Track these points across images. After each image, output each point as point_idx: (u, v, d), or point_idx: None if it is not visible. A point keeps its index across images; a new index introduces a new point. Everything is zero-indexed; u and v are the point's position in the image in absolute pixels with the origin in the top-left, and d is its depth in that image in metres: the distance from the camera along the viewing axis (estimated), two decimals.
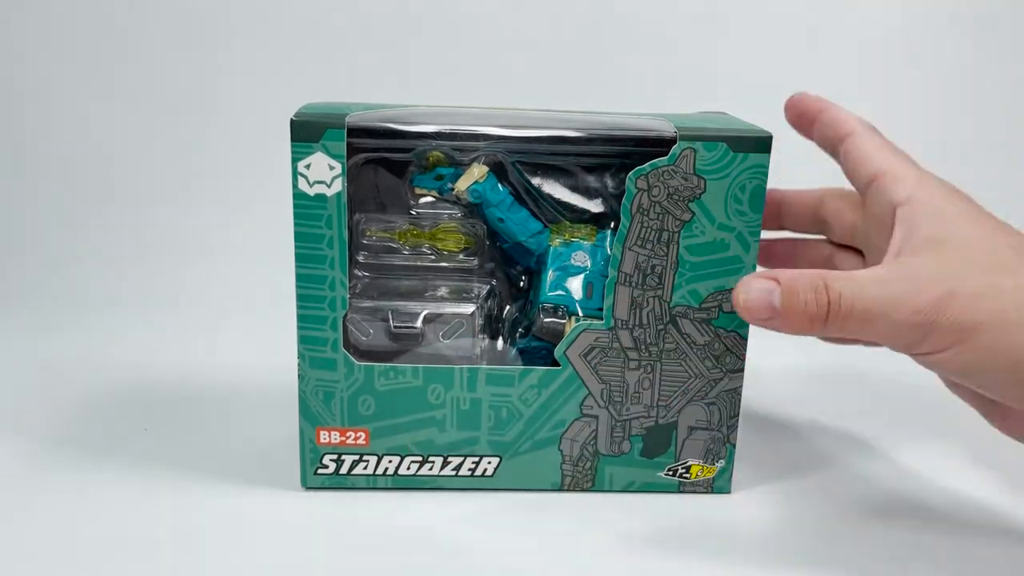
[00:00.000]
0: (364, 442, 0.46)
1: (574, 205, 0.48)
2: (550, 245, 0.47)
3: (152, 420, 0.54)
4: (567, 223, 0.48)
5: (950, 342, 0.36)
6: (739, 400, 0.46)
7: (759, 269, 0.42)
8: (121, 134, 0.81)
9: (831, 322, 0.37)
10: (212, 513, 0.44)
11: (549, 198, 0.48)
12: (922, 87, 0.83)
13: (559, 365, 0.45)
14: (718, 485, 0.48)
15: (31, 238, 0.81)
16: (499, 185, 0.47)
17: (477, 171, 0.46)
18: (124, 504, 0.45)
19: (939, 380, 0.42)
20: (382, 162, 0.47)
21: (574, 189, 0.48)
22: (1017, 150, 0.83)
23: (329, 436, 0.46)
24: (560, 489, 0.47)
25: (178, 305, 0.75)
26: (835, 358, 0.60)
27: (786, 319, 0.38)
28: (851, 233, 0.47)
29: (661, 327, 0.45)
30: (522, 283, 0.49)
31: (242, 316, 0.73)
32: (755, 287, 0.39)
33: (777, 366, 0.64)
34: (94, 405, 0.56)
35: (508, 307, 0.49)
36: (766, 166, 0.43)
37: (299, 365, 0.45)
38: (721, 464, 0.47)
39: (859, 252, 0.47)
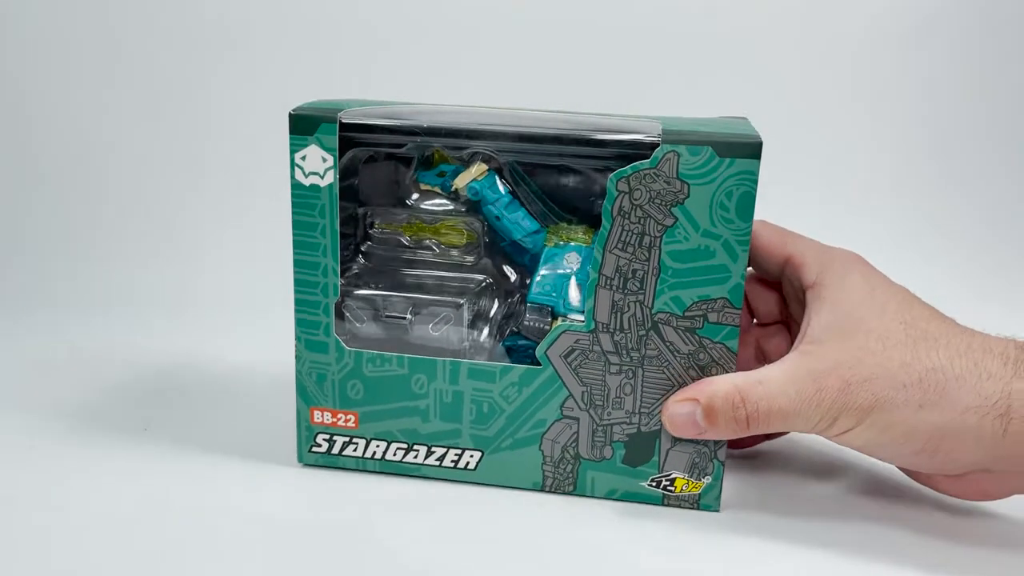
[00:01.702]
0: (354, 425, 0.48)
1: (573, 206, 0.48)
2: (546, 245, 0.47)
3: (156, 404, 0.56)
4: (564, 224, 0.48)
5: (853, 423, 0.40)
6: None
7: (677, 392, 0.44)
8: (121, 133, 0.85)
9: (753, 428, 0.42)
10: (211, 486, 0.47)
11: (547, 198, 0.48)
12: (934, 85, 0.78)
13: (541, 364, 0.45)
14: (705, 502, 0.46)
15: (30, 238, 0.84)
16: (498, 184, 0.47)
17: (476, 169, 0.47)
18: (130, 478, 0.47)
19: None
20: (399, 159, 0.49)
21: (574, 190, 0.48)
22: (1014, 148, 0.78)
23: (322, 416, 0.48)
24: (541, 489, 0.47)
25: (182, 296, 0.78)
26: None
27: (714, 433, 0.43)
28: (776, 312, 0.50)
29: (643, 333, 0.44)
30: (515, 281, 0.49)
31: (248, 305, 0.75)
32: (678, 411, 0.43)
33: None
34: (100, 392, 0.58)
35: (499, 304, 0.49)
36: (755, 172, 0.41)
37: (296, 346, 0.47)
38: (708, 480, 0.46)
39: (784, 325, 0.50)
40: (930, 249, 0.78)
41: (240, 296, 0.78)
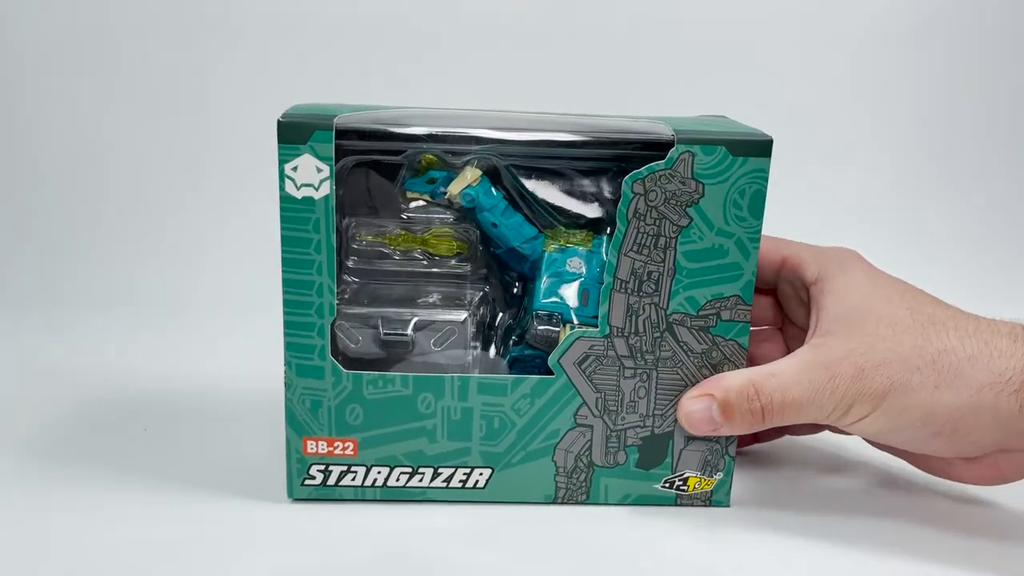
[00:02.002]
0: (352, 452, 0.45)
1: (569, 210, 0.47)
2: (545, 251, 0.46)
3: (145, 427, 0.53)
4: (562, 228, 0.47)
5: (869, 409, 0.40)
6: None
7: (691, 390, 0.44)
8: (119, 136, 0.80)
9: (768, 421, 0.42)
10: (195, 526, 0.43)
11: (544, 203, 0.46)
12: (922, 87, 0.83)
13: (552, 374, 0.44)
14: (716, 498, 0.46)
15: (29, 241, 0.80)
16: (493, 189, 0.45)
17: (470, 175, 0.45)
18: (110, 515, 0.44)
19: None
20: (373, 165, 0.46)
21: (570, 193, 0.47)
22: (1014, 148, 0.83)
23: (316, 446, 0.44)
24: (554, 502, 0.46)
25: (177, 308, 0.74)
26: None
27: (730, 428, 0.43)
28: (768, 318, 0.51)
29: (657, 335, 0.43)
30: (516, 289, 0.48)
31: (241, 320, 0.71)
32: (694, 408, 0.43)
33: None
34: (88, 409, 0.55)
35: (501, 314, 0.47)
36: (766, 170, 0.42)
37: (286, 373, 0.43)
38: (720, 476, 0.46)
39: (778, 330, 0.51)
40: (930, 249, 0.81)
41: (240, 299, 0.73)
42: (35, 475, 0.47)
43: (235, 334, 0.69)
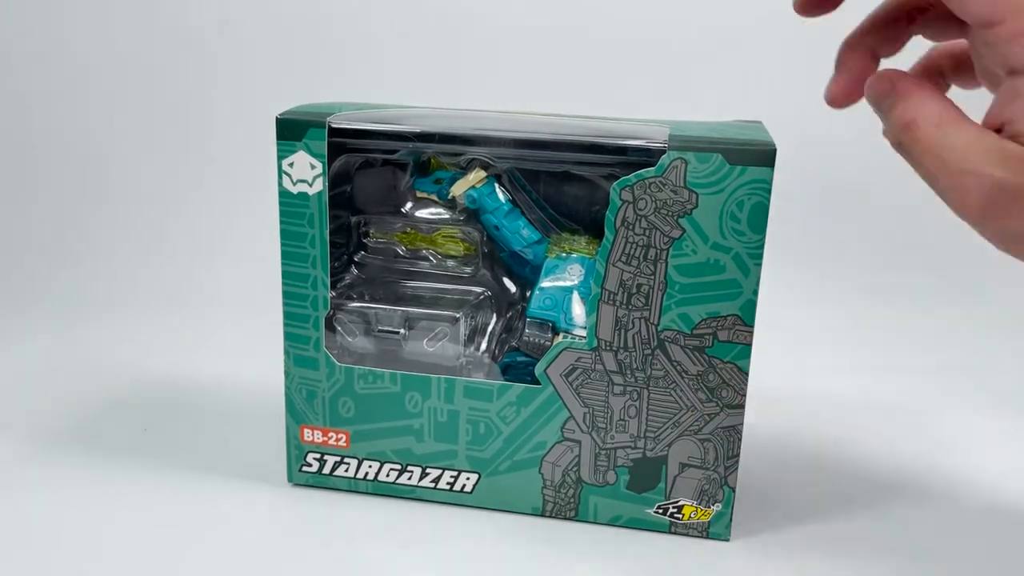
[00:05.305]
0: (345, 444, 0.45)
1: (577, 215, 0.45)
2: (547, 256, 0.45)
3: (152, 418, 0.55)
4: (568, 235, 0.45)
5: None
6: (739, 439, 0.42)
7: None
8: (121, 136, 0.84)
9: (897, 145, 0.31)
10: (201, 506, 0.45)
11: (550, 207, 0.45)
12: None
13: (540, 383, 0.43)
14: (714, 531, 0.43)
15: (31, 240, 0.83)
16: (497, 192, 0.45)
17: (474, 176, 0.45)
18: (126, 499, 0.45)
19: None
20: (399, 163, 0.47)
21: (576, 199, 0.45)
22: None
23: (312, 435, 0.46)
24: (542, 514, 0.45)
25: (181, 305, 0.76)
26: (865, 383, 0.56)
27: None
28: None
29: (648, 351, 0.41)
30: (515, 293, 0.47)
31: (244, 315, 0.73)
32: (877, 84, 0.32)
33: (795, 393, 0.59)
34: (94, 404, 0.57)
35: (498, 318, 0.47)
36: (768, 181, 0.38)
37: (285, 362, 0.45)
38: (718, 507, 0.43)
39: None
40: (929, 252, 0.75)
41: (242, 298, 0.76)
42: (46, 463, 0.49)
43: (243, 326, 0.70)
